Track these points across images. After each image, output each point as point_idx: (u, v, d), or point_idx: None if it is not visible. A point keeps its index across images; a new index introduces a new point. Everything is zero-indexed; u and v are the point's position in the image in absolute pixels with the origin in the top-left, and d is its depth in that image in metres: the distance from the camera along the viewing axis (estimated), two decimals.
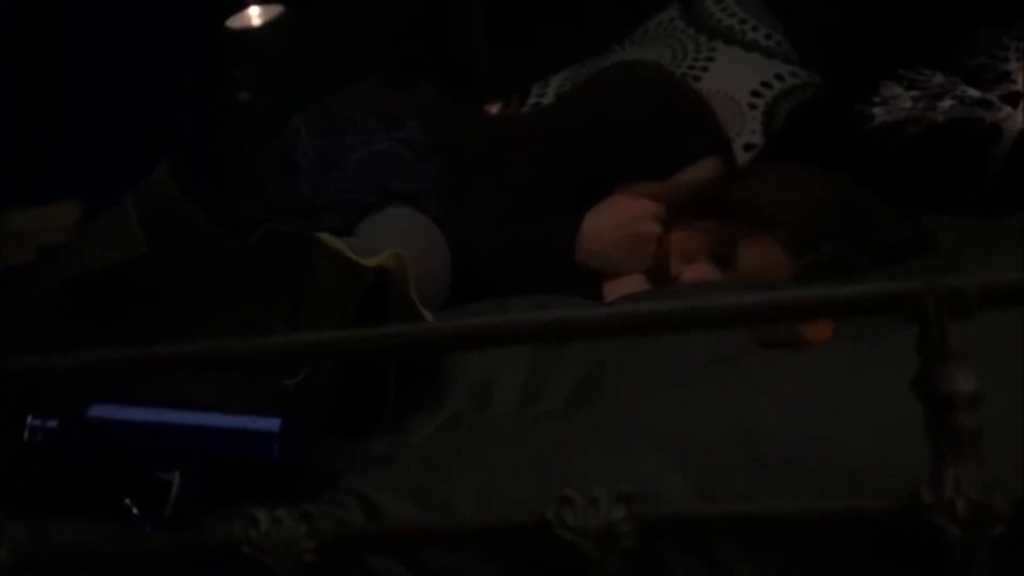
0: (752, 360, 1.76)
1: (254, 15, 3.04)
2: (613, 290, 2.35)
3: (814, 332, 1.81)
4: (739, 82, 2.79)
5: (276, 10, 3.06)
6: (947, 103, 2.58)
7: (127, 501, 1.56)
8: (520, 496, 1.50)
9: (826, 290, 1.29)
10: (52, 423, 1.61)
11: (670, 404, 1.62)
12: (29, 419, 1.61)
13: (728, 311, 1.31)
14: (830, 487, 1.45)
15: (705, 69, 2.81)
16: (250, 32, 3.07)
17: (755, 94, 2.79)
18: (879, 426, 1.49)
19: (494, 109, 2.94)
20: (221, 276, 1.71)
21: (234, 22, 3.05)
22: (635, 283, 2.36)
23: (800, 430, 1.52)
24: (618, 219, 2.40)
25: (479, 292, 2.24)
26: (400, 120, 2.52)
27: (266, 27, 3.07)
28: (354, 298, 1.76)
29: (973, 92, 2.58)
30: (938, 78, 2.62)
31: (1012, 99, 2.52)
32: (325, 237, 1.81)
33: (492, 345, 1.40)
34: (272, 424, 1.63)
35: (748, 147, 2.71)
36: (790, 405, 1.57)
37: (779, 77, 2.83)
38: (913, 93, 2.62)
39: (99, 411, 1.61)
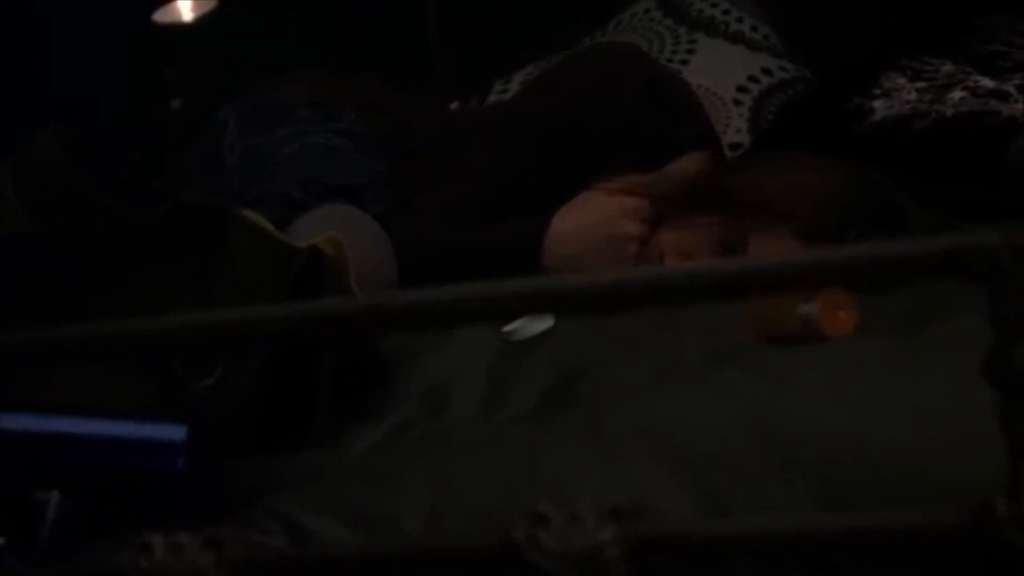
0: (763, 354, 1.47)
1: (184, 9, 2.74)
2: None
3: (834, 324, 1.52)
4: (723, 77, 2.56)
5: (209, 3, 2.76)
6: (957, 94, 2.36)
7: None
8: (482, 513, 1.21)
9: (876, 247, 1.01)
10: None
11: (667, 402, 1.34)
12: None
13: (770, 271, 1.03)
14: (872, 496, 1.22)
15: (685, 63, 2.58)
16: (180, 28, 2.77)
17: (741, 90, 2.57)
18: (930, 424, 1.27)
19: (452, 108, 2.67)
20: (117, 256, 1.41)
21: (162, 16, 2.76)
22: None
23: (832, 429, 1.29)
24: (593, 218, 2.14)
25: None
26: (341, 111, 2.25)
27: (198, 22, 2.77)
28: (281, 284, 1.46)
29: (987, 82, 2.36)
30: (947, 67, 2.40)
31: None
32: (247, 213, 1.51)
33: (464, 321, 1.11)
34: (177, 433, 1.33)
35: (733, 146, 2.48)
36: (817, 401, 1.33)
37: (767, 71, 2.61)
38: (919, 84, 2.40)
39: None
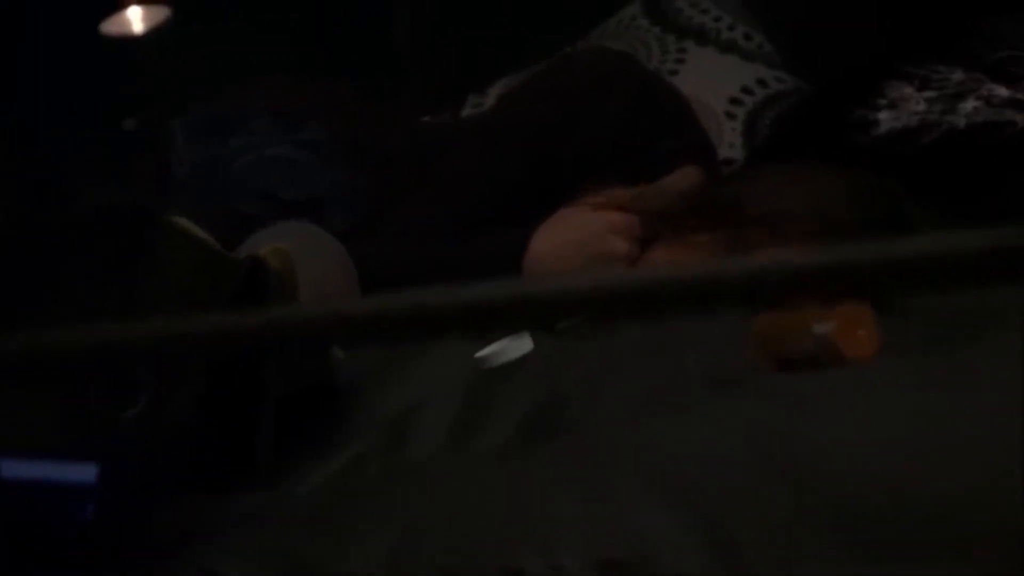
0: (774, 379, 1.28)
1: (134, 19, 2.55)
2: None
3: (853, 345, 1.33)
4: (714, 88, 2.42)
5: (161, 13, 2.57)
6: (970, 104, 2.22)
7: None
8: (449, 566, 1.01)
9: (922, 241, 0.84)
10: None
11: (666, 433, 1.15)
12: None
13: (786, 273, 0.86)
14: (904, 541, 1.05)
15: (674, 72, 2.42)
16: (131, 40, 2.58)
17: (734, 101, 2.42)
18: (967, 458, 1.09)
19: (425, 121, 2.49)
20: (21, 262, 1.20)
21: (109, 27, 2.56)
22: None
23: (856, 464, 1.10)
24: (577, 236, 1.97)
25: None
26: (303, 120, 2.07)
27: (151, 34, 2.58)
28: (216, 302, 1.26)
29: (1001, 91, 2.22)
30: (957, 75, 2.27)
31: None
32: (178, 219, 1.31)
33: (438, 333, 0.93)
34: (87, 473, 1.14)
35: (726, 163, 2.32)
36: (838, 432, 1.15)
37: (761, 82, 2.46)
38: (927, 94, 2.26)
39: None
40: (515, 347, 1.53)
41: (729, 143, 2.35)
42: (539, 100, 2.09)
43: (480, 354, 1.52)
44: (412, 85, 2.70)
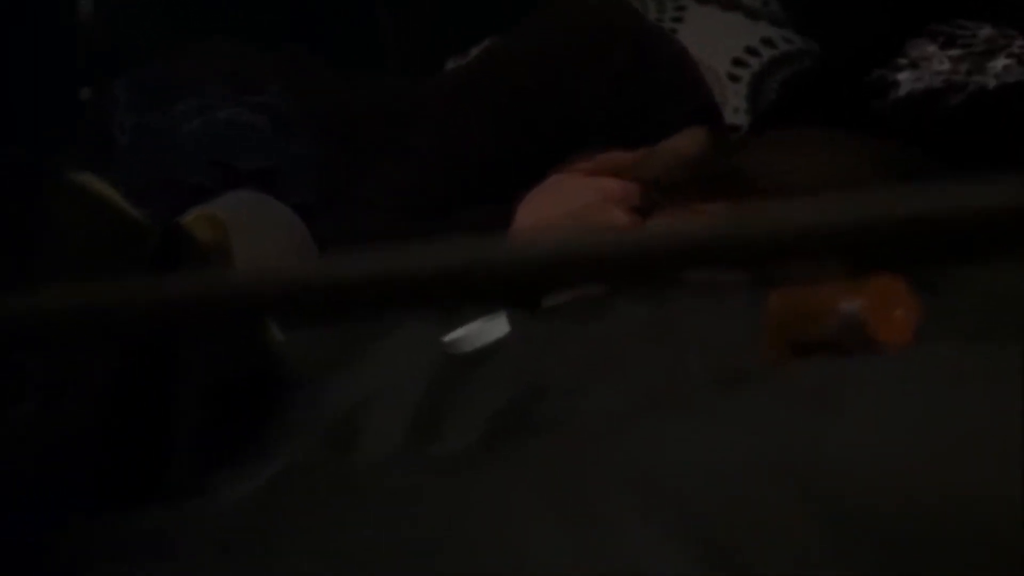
0: (794, 370, 1.07)
1: None
2: None
3: (888, 328, 1.12)
4: (717, 48, 2.29)
5: None
6: (1000, 62, 2.07)
7: None
8: None
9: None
10: None
11: (663, 435, 0.94)
12: None
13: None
14: (955, 565, 0.88)
15: (672, 32, 2.25)
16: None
17: (738, 63, 2.29)
18: None
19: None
20: None
21: None
22: None
23: (891, 472, 0.92)
24: (568, 206, 1.80)
25: None
26: (260, 83, 1.89)
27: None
28: (127, 273, 1.05)
29: None
30: (985, 31, 2.10)
31: None
32: (86, 178, 1.11)
33: (399, 305, 0.75)
34: None
35: (732, 129, 2.18)
36: (869, 433, 0.96)
37: (767, 43, 2.33)
38: (953, 52, 2.10)
39: None
40: (489, 330, 1.32)
41: (733, 108, 2.22)
42: (519, 60, 1.93)
43: (448, 338, 1.31)
44: (391, 53, 2.53)
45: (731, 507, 0.85)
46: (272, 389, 1.19)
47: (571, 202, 1.77)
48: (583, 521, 0.83)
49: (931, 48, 2.10)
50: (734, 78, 2.26)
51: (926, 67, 2.09)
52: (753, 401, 0.99)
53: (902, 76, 2.09)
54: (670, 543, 0.81)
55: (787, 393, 1.00)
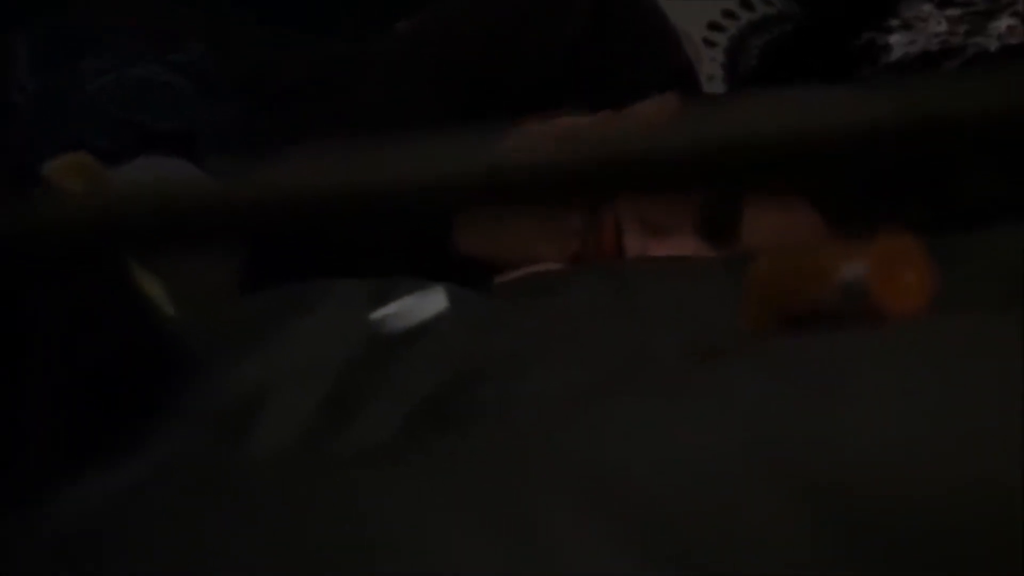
0: (781, 345, 0.89)
1: None
2: None
3: (896, 295, 0.94)
4: (690, 12, 2.18)
5: None
6: (1003, 22, 1.96)
7: None
8: None
9: None
10: None
11: (622, 421, 0.75)
12: None
13: None
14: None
15: None
16: None
17: (714, 27, 2.19)
18: None
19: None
20: None
21: None
22: None
23: (899, 464, 0.75)
24: None
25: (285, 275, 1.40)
26: (180, 40, 1.76)
27: None
28: None
29: None
30: None
31: None
32: None
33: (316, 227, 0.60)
34: None
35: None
36: (873, 418, 0.78)
37: (746, 5, 2.22)
38: (950, 12, 2.01)
39: None
40: (423, 306, 1.13)
41: (708, 76, 2.13)
42: (469, 17, 1.81)
43: (376, 315, 1.12)
44: (343, 14, 2.39)
45: (705, 508, 0.66)
46: (158, 372, 1.00)
47: None
48: (513, 527, 0.64)
49: (926, 7, 2.02)
50: (710, 43, 2.17)
51: (921, 28, 2.02)
52: (734, 380, 0.80)
53: (894, 39, 2.02)
54: (622, 552, 0.62)
55: (777, 371, 0.82)
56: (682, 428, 0.75)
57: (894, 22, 2.02)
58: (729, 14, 2.18)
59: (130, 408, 0.94)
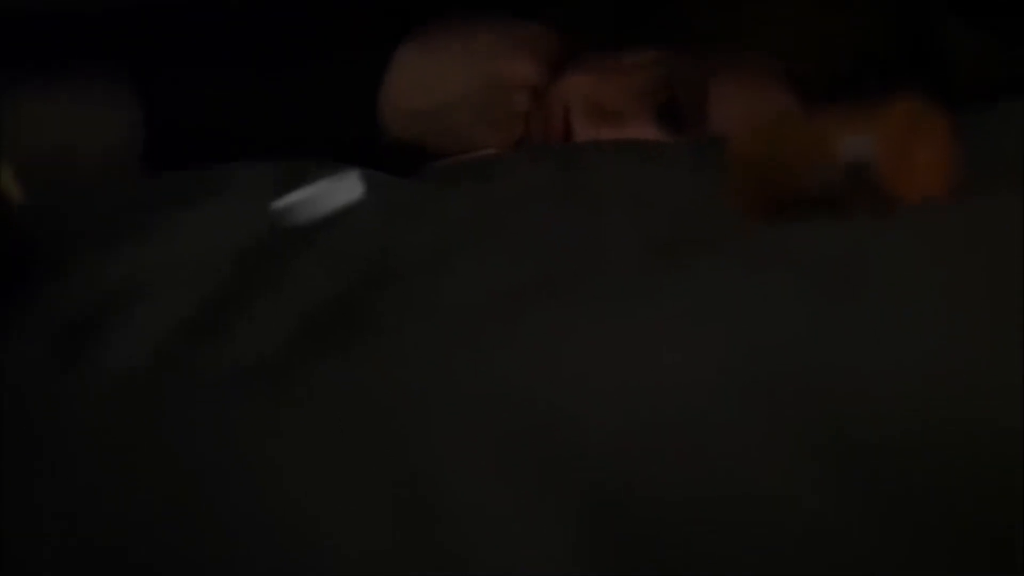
0: (770, 236, 0.70)
1: None
2: None
3: (909, 176, 0.75)
4: None
5: None
6: None
7: None
8: None
9: None
10: None
11: (560, 331, 0.56)
12: None
13: None
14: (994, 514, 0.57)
15: None
16: None
17: None
18: None
19: None
20: None
21: None
22: None
23: (911, 385, 0.60)
24: (464, 55, 1.42)
25: (193, 154, 1.21)
26: None
27: None
28: None
29: None
30: None
31: None
32: None
33: None
34: None
35: None
36: (883, 329, 0.63)
37: None
38: None
39: None
40: (333, 194, 0.95)
41: None
42: None
43: (278, 205, 0.94)
44: None
45: (673, 453, 0.48)
46: (7, 269, 0.81)
47: (467, 49, 1.43)
48: (392, 469, 0.46)
49: None
50: None
51: None
52: (710, 281, 0.62)
53: None
54: (549, 528, 0.44)
55: (763, 271, 0.64)
56: (642, 339, 0.57)
57: None
58: None
59: None
